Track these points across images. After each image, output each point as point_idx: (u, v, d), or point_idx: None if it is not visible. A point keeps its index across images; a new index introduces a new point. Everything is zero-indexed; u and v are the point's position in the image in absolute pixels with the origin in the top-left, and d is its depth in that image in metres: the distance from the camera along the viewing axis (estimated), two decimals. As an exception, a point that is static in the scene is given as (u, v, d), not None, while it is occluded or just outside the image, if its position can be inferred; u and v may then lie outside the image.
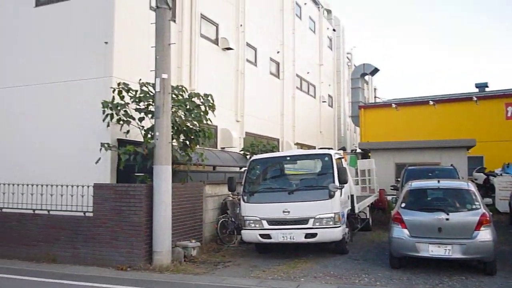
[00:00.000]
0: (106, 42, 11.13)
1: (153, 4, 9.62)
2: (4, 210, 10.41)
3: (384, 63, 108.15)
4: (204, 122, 10.73)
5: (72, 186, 9.65)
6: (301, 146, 23.15)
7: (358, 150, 22.91)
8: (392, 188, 15.03)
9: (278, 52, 21.42)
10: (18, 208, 10.21)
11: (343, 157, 10.92)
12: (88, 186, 9.48)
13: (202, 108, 10.74)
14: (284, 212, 9.33)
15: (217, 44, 16.14)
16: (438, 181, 8.81)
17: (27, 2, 12.43)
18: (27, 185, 10.13)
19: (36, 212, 9.98)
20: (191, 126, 10.44)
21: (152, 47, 9.45)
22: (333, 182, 9.34)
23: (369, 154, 19.27)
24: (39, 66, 12.11)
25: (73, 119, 11.37)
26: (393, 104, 24.73)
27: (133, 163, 9.51)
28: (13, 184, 10.34)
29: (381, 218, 14.66)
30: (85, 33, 11.51)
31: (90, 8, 11.52)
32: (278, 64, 21.50)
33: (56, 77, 11.78)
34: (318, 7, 28.46)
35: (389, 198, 15.46)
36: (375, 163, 16.19)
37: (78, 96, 11.38)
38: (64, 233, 9.60)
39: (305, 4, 25.73)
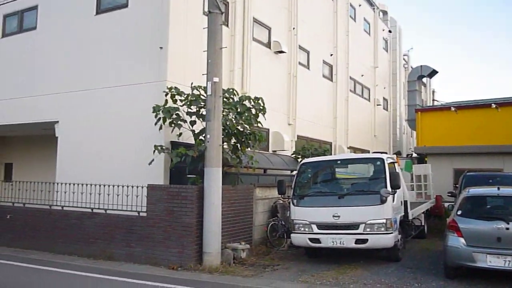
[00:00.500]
0: (161, 48, 11.46)
1: (206, 9, 9.79)
2: (65, 208, 10.96)
3: (443, 64, 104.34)
4: (255, 125, 10.80)
5: (128, 186, 10.00)
6: (355, 150, 22.72)
7: (414, 155, 22.20)
8: (449, 194, 14.43)
9: (331, 54, 21.19)
10: (78, 206, 10.71)
11: (396, 162, 10.61)
12: (142, 187, 9.79)
13: (253, 111, 10.81)
14: (334, 216, 9.19)
15: (269, 48, 16.19)
16: (498, 188, 8.36)
17: (88, 11, 13.04)
18: (86, 185, 10.61)
19: (94, 211, 10.43)
20: (241, 129, 10.54)
21: (204, 51, 9.64)
22: (385, 187, 9.10)
23: (426, 159, 18.61)
24: (98, 72, 12.67)
25: (129, 122, 11.78)
26: (452, 107, 23.72)
27: (184, 165, 9.73)
28: (74, 184, 10.86)
29: (437, 225, 14.09)
30: (141, 39, 11.91)
31: (146, 15, 11.92)
32: (331, 66, 21.26)
33: (113, 82, 12.27)
34: (374, 8, 27.88)
35: (446, 205, 14.84)
36: (432, 168, 15.61)
37: (134, 100, 11.78)
38: (119, 231, 9.96)
39: (359, 5, 25.30)
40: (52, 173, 13.09)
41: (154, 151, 9.88)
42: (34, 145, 17.83)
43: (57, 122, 13.31)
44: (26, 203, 11.47)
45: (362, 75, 25.07)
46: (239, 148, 10.74)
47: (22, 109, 14.25)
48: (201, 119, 10.26)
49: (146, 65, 11.71)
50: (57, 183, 11.49)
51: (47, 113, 13.55)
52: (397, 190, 9.36)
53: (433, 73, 28.29)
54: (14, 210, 11.62)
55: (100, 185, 10.39)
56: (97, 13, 12.93)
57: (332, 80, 21.28)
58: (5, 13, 14.95)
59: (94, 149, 12.38)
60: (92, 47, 12.91)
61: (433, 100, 38.30)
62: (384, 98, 28.99)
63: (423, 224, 12.57)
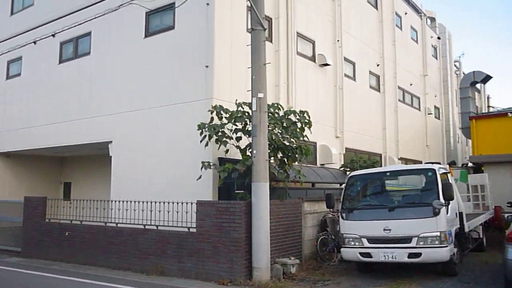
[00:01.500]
0: (207, 66, 11.75)
1: (249, 27, 9.96)
2: (119, 225, 11.33)
3: (498, 68, 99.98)
4: (301, 139, 10.78)
5: (178, 203, 10.21)
6: (406, 161, 22.14)
7: (470, 164, 21.30)
8: (509, 205, 13.70)
9: (378, 65, 20.88)
10: (131, 223, 11.04)
11: (449, 172, 10.24)
12: (191, 203, 9.98)
13: (299, 125, 10.81)
14: (385, 230, 8.96)
15: (314, 61, 16.19)
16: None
17: (138, 35, 13.59)
18: (139, 202, 10.94)
19: (147, 227, 10.70)
20: (287, 143, 10.55)
21: (248, 67, 9.78)
22: (438, 198, 8.79)
23: (483, 168, 17.80)
24: (148, 92, 13.14)
25: (178, 140, 12.10)
26: (509, 113, 22.68)
27: (232, 180, 9.83)
28: (127, 201, 11.22)
29: (497, 237, 13.39)
30: (188, 58, 12.27)
31: (192, 35, 12.26)
32: (378, 77, 20.93)
33: (162, 101, 12.67)
34: (420, 16, 27.28)
35: (506, 216, 14.09)
36: (490, 177, 14.92)
37: (182, 118, 12.10)
38: (170, 247, 10.17)
39: (405, 13, 24.84)
40: (108, 191, 13.63)
41: (202, 167, 10.06)
42: (90, 165, 18.66)
43: (111, 142, 13.88)
44: (83, 220, 11.96)
45: (411, 84, 24.49)
46: (286, 163, 10.74)
47: (79, 130, 14.99)
48: (247, 135, 10.37)
49: (193, 83, 12.03)
50: (112, 201, 11.92)
51: (101, 133, 14.18)
52: (451, 201, 9.02)
53: (487, 78, 27.14)
54: (72, 227, 12.14)
55: (151, 202, 10.67)
56: (146, 36, 13.44)
57: (379, 91, 20.93)
58: (62, 40, 15.83)
59: (145, 167, 12.79)
60: (142, 69, 13.42)
61: (488, 106, 36.69)
62: (435, 107, 28.13)
63: (481, 236, 12.01)
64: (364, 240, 9.20)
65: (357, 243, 9.29)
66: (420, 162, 22.44)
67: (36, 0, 17.80)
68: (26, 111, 17.31)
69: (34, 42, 14.44)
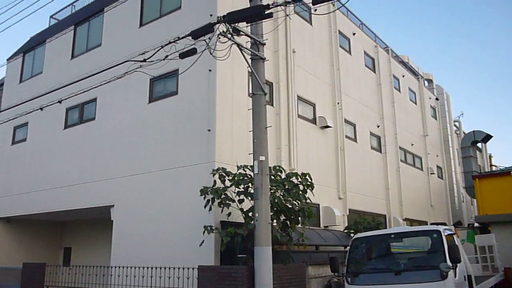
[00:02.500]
0: (209, 130, 11.94)
1: (251, 92, 10.22)
2: (119, 292, 11.04)
3: (499, 127, 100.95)
4: (304, 201, 10.73)
5: (179, 268, 10.00)
6: (411, 221, 21.85)
7: (476, 224, 20.99)
8: (519, 266, 13.36)
9: (378, 126, 21.17)
10: (132, 290, 10.76)
11: (455, 233, 10.08)
12: (193, 269, 9.77)
13: (301, 187, 10.80)
14: (391, 294, 8.68)
15: (315, 123, 16.45)
16: None
17: (141, 100, 13.96)
18: (139, 268, 10.72)
19: (147, 294, 10.41)
20: (290, 206, 10.49)
21: (250, 131, 9.93)
22: (444, 261, 8.57)
23: (489, 228, 17.52)
24: (150, 156, 13.27)
25: (179, 203, 12.05)
26: (512, 172, 22.64)
27: (235, 244, 9.69)
28: (127, 267, 11.00)
29: (509, 302, 12.96)
30: (190, 122, 12.50)
31: (194, 100, 12.57)
32: (379, 138, 21.15)
33: (164, 165, 12.76)
34: (418, 78, 28.01)
35: (517, 278, 13.70)
36: (497, 238, 14.65)
37: (184, 181, 12.13)
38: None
39: (403, 76, 25.53)
40: (108, 256, 13.39)
41: (204, 231, 9.95)
42: (91, 229, 18.46)
43: (113, 206, 13.83)
44: (83, 287, 11.66)
45: (412, 144, 24.69)
46: (289, 225, 10.63)
47: (80, 194, 14.99)
48: (249, 197, 10.35)
49: (195, 147, 12.17)
50: (112, 267, 11.68)
51: (103, 197, 14.16)
52: (458, 263, 8.79)
53: (487, 137, 27.37)
54: (71, 295, 11.85)
55: (151, 268, 10.46)
56: (150, 101, 13.79)
57: (381, 151, 21.06)
58: (68, 106, 16.23)
59: (147, 231, 12.65)
60: (145, 133, 13.64)
61: (491, 165, 36.77)
62: (437, 166, 28.17)
63: (492, 300, 11.61)
64: (371, 306, 8.88)
65: (364, 309, 8.96)
66: (426, 223, 22.18)
67: (45, 68, 18.47)
68: (28, 176, 17.40)
69: (41, 109, 14.74)
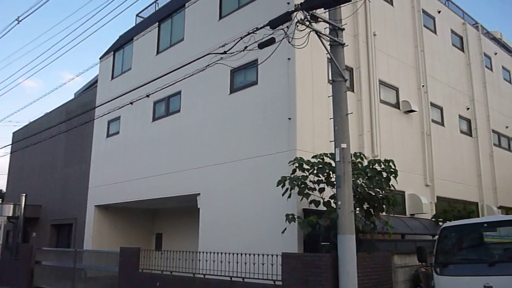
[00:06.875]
0: (289, 118, 12.00)
1: (330, 78, 10.10)
2: (206, 276, 11.52)
3: None
4: (387, 188, 10.46)
5: (263, 255, 10.22)
6: (507, 210, 20.41)
7: None
8: None
9: (468, 108, 19.93)
10: (218, 275, 11.18)
11: (557, 222, 9.29)
12: (277, 255, 9.93)
13: (384, 174, 10.53)
14: (485, 287, 8.23)
15: (398, 108, 15.87)
16: None
17: (223, 91, 14.35)
18: (225, 253, 11.10)
19: (233, 279, 10.77)
20: (373, 194, 10.28)
21: (330, 118, 9.84)
22: (545, 252, 7.97)
23: None
24: (233, 145, 13.64)
25: (262, 191, 12.27)
26: None
27: (317, 232, 9.70)
28: (214, 253, 11.44)
29: None
30: (271, 111, 12.64)
31: (275, 89, 12.68)
32: (469, 121, 19.92)
33: (246, 154, 13.06)
34: (512, 55, 25.92)
35: None
36: None
37: (265, 170, 12.33)
38: (256, 300, 10.10)
39: (495, 54, 23.72)
40: (196, 242, 14.03)
41: (286, 220, 10.06)
42: (180, 217, 19.42)
43: (199, 194, 14.42)
44: (173, 271, 12.32)
45: (507, 127, 22.95)
46: (373, 214, 10.42)
47: (170, 183, 15.80)
48: (330, 185, 10.29)
49: (276, 136, 12.30)
50: (200, 252, 12.22)
51: (191, 186, 14.81)
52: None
53: None
54: (163, 277, 12.54)
55: (237, 254, 10.79)
56: (231, 92, 14.13)
57: (471, 135, 19.84)
58: (155, 100, 17.10)
59: (230, 218, 13.07)
60: (227, 123, 14.02)
61: None
62: (538, 150, 25.96)
63: None
64: (462, 298, 8.50)
65: (454, 301, 8.60)
66: (524, 211, 20.60)
67: (134, 64, 19.57)
68: (122, 166, 18.64)
69: (131, 103, 15.69)
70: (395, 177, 10.64)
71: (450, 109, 18.72)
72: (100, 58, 22.35)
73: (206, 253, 11.58)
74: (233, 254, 10.90)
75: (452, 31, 20.40)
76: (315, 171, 10.37)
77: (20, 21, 15.93)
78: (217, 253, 11.30)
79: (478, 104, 20.61)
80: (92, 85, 25.04)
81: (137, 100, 15.70)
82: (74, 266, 15.67)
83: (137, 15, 21.80)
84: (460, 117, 19.38)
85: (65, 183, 23.33)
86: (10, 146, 27.96)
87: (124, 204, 19.07)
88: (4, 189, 33.60)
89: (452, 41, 20.23)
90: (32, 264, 17.90)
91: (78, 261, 15.73)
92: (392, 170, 10.56)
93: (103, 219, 20.03)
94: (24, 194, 23.73)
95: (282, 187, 10.37)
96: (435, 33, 19.04)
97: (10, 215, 24.36)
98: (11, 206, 24.42)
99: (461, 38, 20.98)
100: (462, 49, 20.83)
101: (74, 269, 15.69)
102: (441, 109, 18.16)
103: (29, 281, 17.65)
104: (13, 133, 30.43)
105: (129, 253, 13.76)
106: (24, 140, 23.49)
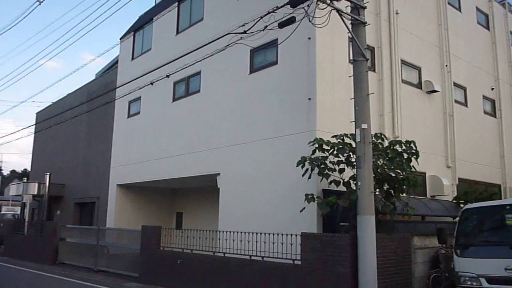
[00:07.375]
0: (309, 99, 11.92)
1: (351, 58, 9.98)
2: (226, 255, 11.69)
3: None
4: (408, 170, 10.37)
5: (282, 234, 10.30)
6: (530, 192, 20.04)
7: None
8: None
9: (492, 88, 19.47)
10: (237, 253, 11.33)
11: None
12: (296, 235, 10.00)
13: (405, 155, 10.43)
14: (507, 269, 8.16)
15: (421, 88, 15.61)
16: None
17: (243, 71, 14.31)
18: (245, 233, 11.22)
19: (252, 258, 10.90)
20: (393, 175, 10.20)
21: (351, 98, 9.74)
22: None
23: None
24: (253, 125, 13.65)
25: (282, 171, 12.31)
26: None
27: (336, 212, 9.71)
28: (234, 232, 11.57)
29: None
30: (290, 92, 12.57)
31: (294, 69, 12.58)
32: (493, 101, 19.48)
33: (266, 134, 13.07)
34: (541, 33, 25.06)
35: None
36: None
37: (284, 150, 12.34)
38: (275, 279, 10.21)
39: (523, 32, 23.01)
40: (216, 221, 14.21)
41: (305, 199, 10.09)
42: (200, 196, 19.65)
43: (219, 174, 14.53)
44: (194, 249, 12.52)
45: (533, 108, 22.37)
46: (393, 195, 10.37)
47: (190, 163, 15.95)
48: (350, 166, 10.25)
49: (296, 116, 12.26)
50: (220, 231, 12.37)
51: (210, 166, 14.93)
52: None
53: None
54: (183, 256, 12.76)
55: (257, 233, 10.89)
56: (251, 72, 14.07)
57: (495, 116, 19.43)
58: (175, 80, 17.15)
59: (250, 198, 13.16)
60: (247, 104, 14.01)
61: None
62: None
63: None
64: (483, 280, 8.46)
65: (474, 283, 8.57)
66: (548, 193, 20.19)
67: (153, 44, 19.61)
68: (143, 146, 18.86)
69: (151, 83, 15.79)
70: (416, 158, 10.53)
71: (474, 89, 18.32)
72: (120, 39, 22.45)
73: (226, 232, 11.72)
74: (252, 233, 11.01)
75: (477, 9, 19.82)
76: (335, 152, 10.33)
77: (41, 2, 16.00)
78: (237, 232, 11.42)
79: (503, 84, 20.12)
80: (113, 66, 25.24)
81: (157, 81, 15.79)
82: (97, 244, 16.07)
83: (156, -5, 21.75)
84: (484, 97, 18.96)
85: (88, 163, 23.77)
86: (34, 126, 28.45)
87: (145, 184, 19.36)
88: (29, 168, 34.41)
89: (477, 19, 19.68)
90: (56, 241, 18.42)
91: (101, 239, 16.10)
92: (413, 151, 10.45)
93: (124, 198, 20.41)
94: (48, 173, 24.29)
95: (302, 167, 10.36)
96: (460, 11, 18.53)
97: (35, 193, 25.01)
98: (36, 184, 25.06)
99: (487, 16, 20.38)
100: (487, 27, 20.25)
101: (97, 246, 16.08)
102: (464, 89, 17.79)
103: (54, 257, 18.20)
104: (37, 113, 31.01)
105: (151, 231, 14.00)
106: (48, 120, 23.91)
